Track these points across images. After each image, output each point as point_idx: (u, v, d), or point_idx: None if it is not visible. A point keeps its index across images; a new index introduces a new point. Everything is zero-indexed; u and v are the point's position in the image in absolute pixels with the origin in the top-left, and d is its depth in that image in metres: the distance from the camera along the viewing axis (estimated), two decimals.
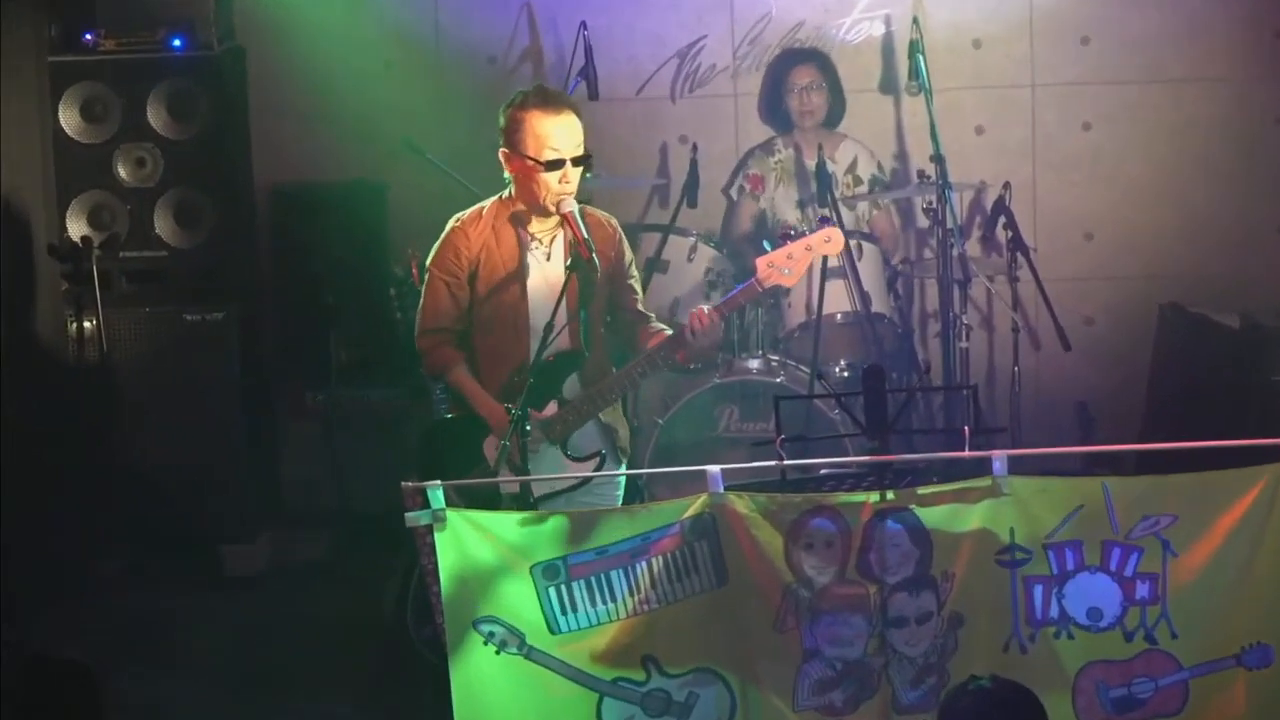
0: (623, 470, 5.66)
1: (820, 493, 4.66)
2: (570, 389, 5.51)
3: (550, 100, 5.45)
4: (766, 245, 6.93)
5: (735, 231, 7.80)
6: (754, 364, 7.16)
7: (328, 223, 7.88)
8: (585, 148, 5.45)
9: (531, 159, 5.38)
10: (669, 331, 5.50)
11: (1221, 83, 7.85)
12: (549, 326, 5.31)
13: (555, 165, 5.38)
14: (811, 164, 7.42)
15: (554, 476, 5.40)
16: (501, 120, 5.48)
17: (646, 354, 5.45)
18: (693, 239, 7.33)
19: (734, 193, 7.86)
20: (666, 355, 5.41)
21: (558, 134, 5.38)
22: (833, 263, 7.05)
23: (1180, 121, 7.88)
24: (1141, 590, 4.54)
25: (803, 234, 5.61)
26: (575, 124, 5.42)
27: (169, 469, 7.43)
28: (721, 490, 4.58)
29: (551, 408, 5.47)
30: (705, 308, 5.41)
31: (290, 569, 7.54)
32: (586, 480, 5.45)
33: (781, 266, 5.41)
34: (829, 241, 5.50)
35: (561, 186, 5.40)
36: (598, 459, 5.50)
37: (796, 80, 7.70)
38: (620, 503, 5.64)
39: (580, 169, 5.44)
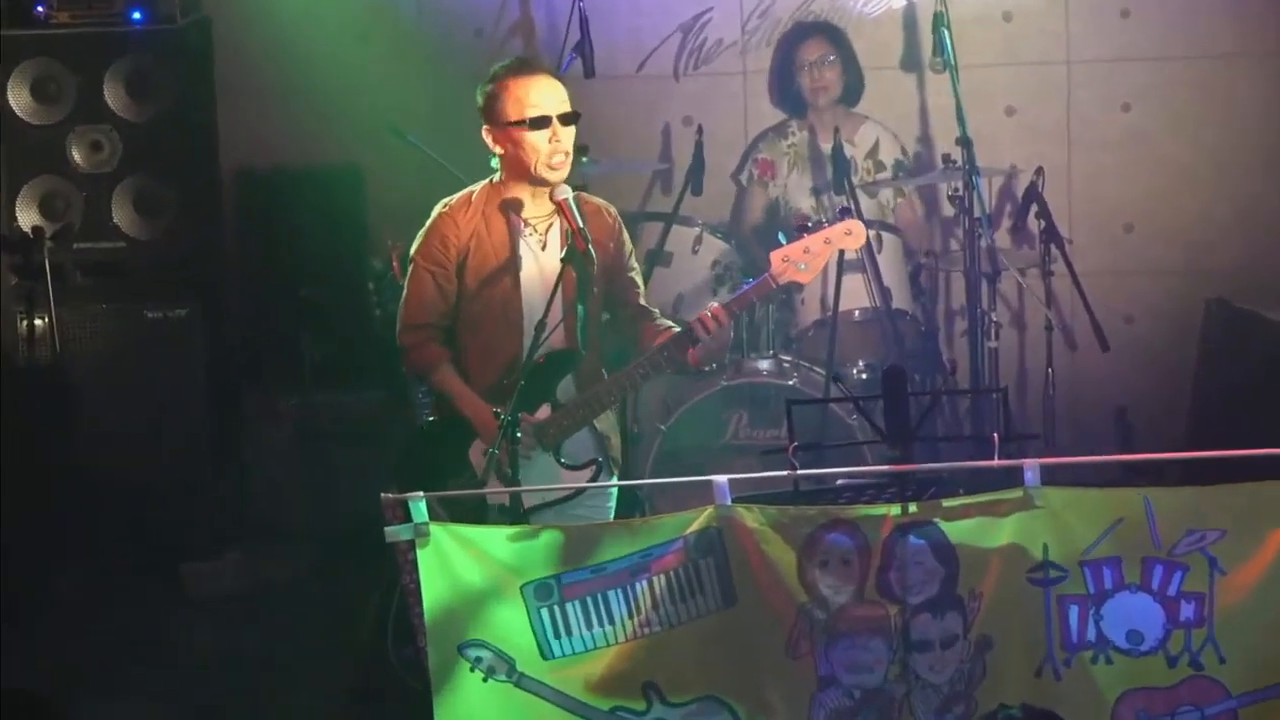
0: (616, 481, 5.66)
1: (837, 505, 4.65)
2: (565, 391, 5.51)
3: (525, 66, 5.56)
4: (781, 238, 6.92)
5: (745, 222, 7.80)
6: (764, 365, 7.16)
7: (301, 211, 7.90)
8: (572, 106, 5.48)
9: (515, 122, 5.40)
10: (676, 328, 5.50)
11: (1273, 57, 7.84)
12: (542, 323, 5.31)
13: (541, 123, 5.41)
14: (827, 147, 7.42)
15: (548, 487, 5.39)
16: (479, 100, 5.53)
17: (649, 354, 5.45)
18: (698, 229, 7.33)
19: (743, 179, 7.86)
20: (671, 355, 5.41)
21: (537, 92, 5.44)
22: (850, 255, 7.05)
23: (1228, 100, 7.88)
24: (1186, 611, 4.53)
25: (820, 225, 5.60)
26: (555, 84, 5.51)
27: (127, 480, 7.43)
28: (729, 502, 4.57)
29: (544, 411, 5.47)
30: (713, 306, 5.40)
31: (259, 589, 7.53)
32: (579, 491, 5.44)
33: (797, 261, 5.40)
34: (849, 235, 5.49)
35: (552, 146, 5.43)
36: (594, 467, 5.49)
37: (806, 55, 7.69)
38: (612, 517, 5.64)
39: (571, 129, 5.46)
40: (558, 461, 5.48)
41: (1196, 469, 5.10)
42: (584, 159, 6.98)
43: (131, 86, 7.59)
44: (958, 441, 7.19)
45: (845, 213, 6.85)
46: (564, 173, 5.45)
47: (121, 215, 7.62)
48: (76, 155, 7.60)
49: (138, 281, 7.62)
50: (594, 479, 5.48)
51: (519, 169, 5.48)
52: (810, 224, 6.81)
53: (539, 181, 5.48)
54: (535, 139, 5.42)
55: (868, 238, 7.00)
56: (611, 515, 5.65)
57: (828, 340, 7.04)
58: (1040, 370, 7.53)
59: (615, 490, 5.69)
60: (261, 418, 7.93)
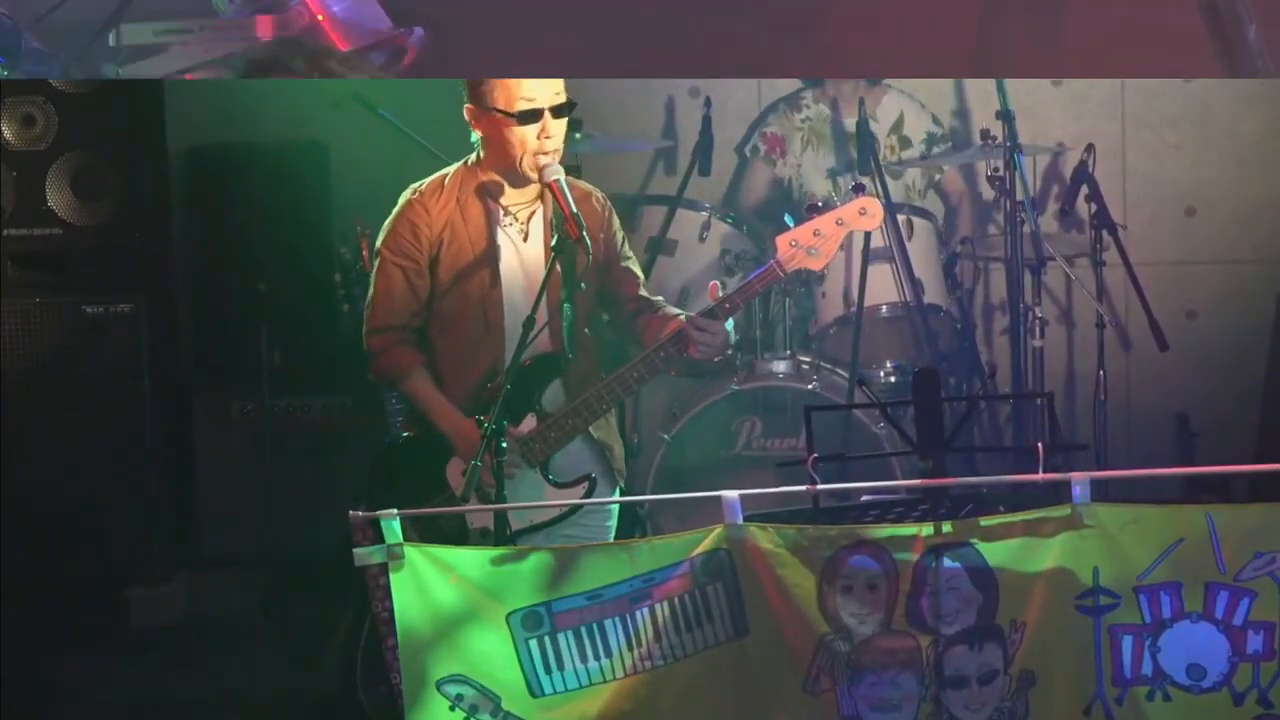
0: (615, 497, 5.67)
1: (861, 524, 4.66)
2: (552, 400, 5.52)
3: None
4: (789, 220, 6.95)
5: (742, 200, 7.82)
6: (780, 367, 7.17)
7: (258, 194, 7.90)
8: (568, 95, 5.47)
9: (501, 112, 5.41)
10: (684, 316, 5.51)
11: None
12: (529, 322, 5.31)
13: (531, 117, 5.41)
14: (850, 122, 7.43)
15: (536, 505, 5.40)
16: None
17: (645, 354, 5.46)
18: (706, 214, 7.34)
19: (747, 152, 7.87)
20: (670, 354, 5.42)
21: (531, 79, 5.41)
22: (877, 243, 7.07)
23: None
24: (1254, 642, 4.54)
25: (833, 206, 5.61)
26: None
27: (63, 494, 7.43)
28: (741, 521, 4.58)
29: (529, 422, 5.48)
30: (711, 289, 5.41)
31: (211, 619, 7.54)
32: (573, 510, 5.46)
33: (807, 245, 5.43)
34: (865, 214, 5.51)
35: (541, 143, 5.42)
36: (586, 484, 5.51)
37: None
38: (614, 536, 5.66)
39: (563, 121, 5.46)
40: (546, 479, 5.50)
41: (1268, 483, 5.12)
42: (576, 135, 6.99)
43: None
44: (997, 453, 7.21)
45: (859, 189, 6.86)
46: (553, 170, 5.45)
47: (57, 198, 7.63)
48: (6, 130, 7.61)
49: (76, 273, 7.62)
50: (588, 497, 5.49)
51: (500, 158, 5.50)
52: (821, 205, 6.83)
53: (521, 178, 5.49)
54: (522, 133, 5.42)
55: (895, 223, 7.06)
56: (613, 536, 5.67)
57: (851, 339, 7.06)
58: (1090, 373, 7.54)
59: (617, 507, 5.70)
60: (214, 425, 7.94)
